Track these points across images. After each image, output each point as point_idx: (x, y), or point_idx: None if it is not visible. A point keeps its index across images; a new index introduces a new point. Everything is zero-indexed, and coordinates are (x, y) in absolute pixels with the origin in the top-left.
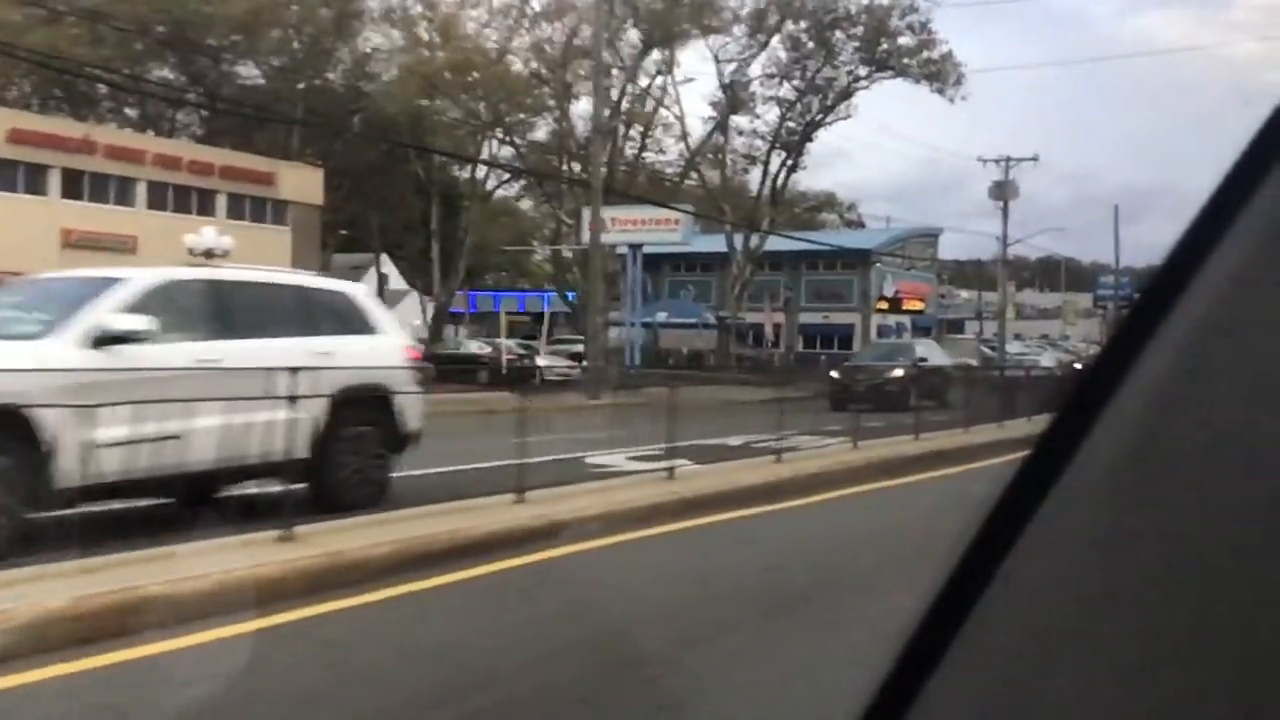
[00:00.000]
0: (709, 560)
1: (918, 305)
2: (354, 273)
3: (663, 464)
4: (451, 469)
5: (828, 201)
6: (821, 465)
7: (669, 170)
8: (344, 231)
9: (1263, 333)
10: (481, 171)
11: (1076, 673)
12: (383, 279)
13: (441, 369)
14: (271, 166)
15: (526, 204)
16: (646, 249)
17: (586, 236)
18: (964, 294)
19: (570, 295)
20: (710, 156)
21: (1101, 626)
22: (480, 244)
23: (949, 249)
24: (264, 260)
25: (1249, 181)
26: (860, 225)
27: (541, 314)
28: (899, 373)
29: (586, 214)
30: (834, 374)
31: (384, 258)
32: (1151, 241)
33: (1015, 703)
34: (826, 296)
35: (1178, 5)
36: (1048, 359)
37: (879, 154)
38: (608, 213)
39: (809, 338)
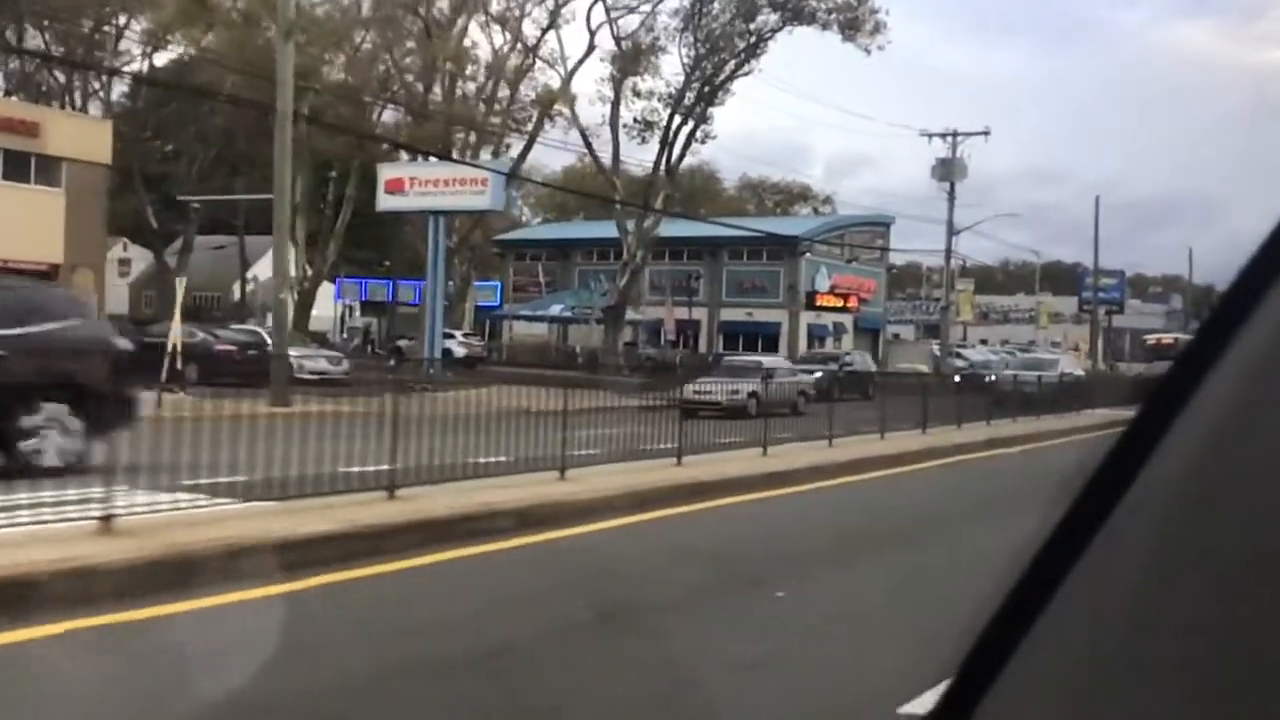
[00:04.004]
0: None
1: (837, 302)
2: (217, 252)
3: None
4: None
5: (801, 194)
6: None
7: (502, 119)
8: (197, 205)
9: None
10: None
11: (1134, 689)
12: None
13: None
14: (35, 115)
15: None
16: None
17: (387, 202)
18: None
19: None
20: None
21: (1161, 645)
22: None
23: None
24: (26, 228)
25: None
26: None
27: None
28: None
29: (389, 173)
30: None
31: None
32: (1179, 249)
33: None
34: (750, 290)
35: (1206, 14)
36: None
37: (902, 163)
38: (404, 171)
39: (730, 336)
